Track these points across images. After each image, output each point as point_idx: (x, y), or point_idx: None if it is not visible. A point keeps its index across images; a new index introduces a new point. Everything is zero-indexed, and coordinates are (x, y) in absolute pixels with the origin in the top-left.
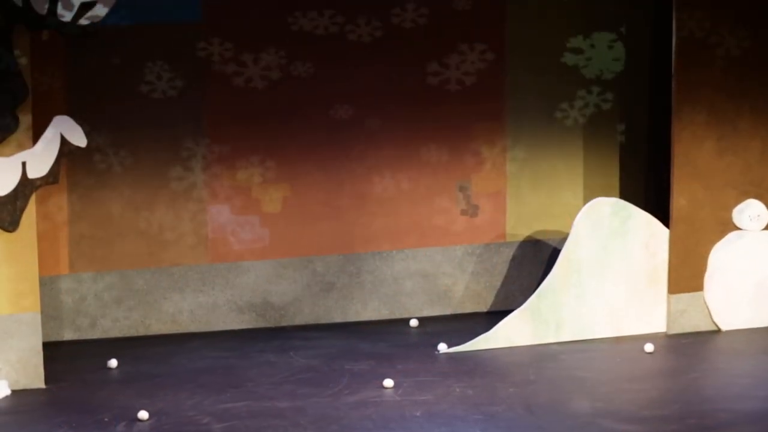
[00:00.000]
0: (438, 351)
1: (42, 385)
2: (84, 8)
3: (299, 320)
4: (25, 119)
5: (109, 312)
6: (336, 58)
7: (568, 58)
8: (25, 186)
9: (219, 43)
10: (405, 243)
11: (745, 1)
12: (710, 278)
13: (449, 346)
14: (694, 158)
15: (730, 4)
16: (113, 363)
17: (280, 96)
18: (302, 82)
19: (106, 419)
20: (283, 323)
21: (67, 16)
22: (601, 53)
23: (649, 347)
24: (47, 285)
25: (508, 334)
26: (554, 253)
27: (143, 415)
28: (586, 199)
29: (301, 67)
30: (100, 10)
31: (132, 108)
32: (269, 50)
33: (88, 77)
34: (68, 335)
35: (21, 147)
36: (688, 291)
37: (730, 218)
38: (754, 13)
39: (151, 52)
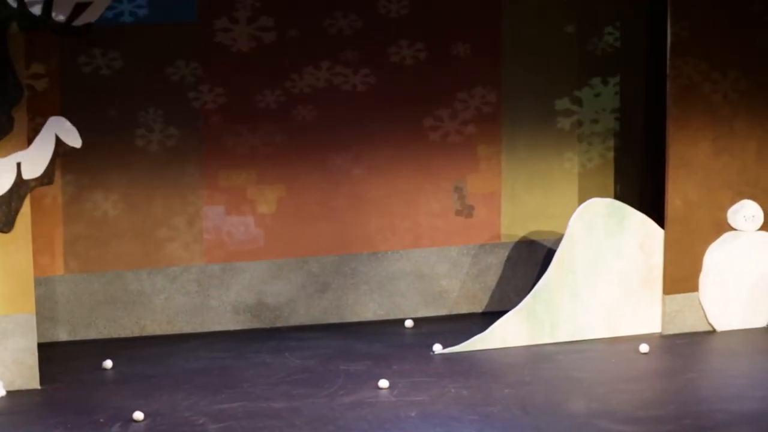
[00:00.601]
0: (433, 351)
1: (37, 385)
2: (79, 9)
3: (294, 321)
4: (20, 120)
5: (104, 313)
6: (334, 54)
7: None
8: (20, 187)
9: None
10: (400, 243)
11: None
12: (705, 279)
13: (444, 347)
14: (690, 158)
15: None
16: (108, 364)
17: (276, 96)
18: (299, 79)
19: (101, 420)
20: (279, 324)
21: (61, 17)
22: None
23: (644, 348)
24: (42, 285)
25: (504, 334)
26: (549, 254)
27: (138, 415)
28: (581, 199)
29: (298, 69)
30: (95, 10)
31: (126, 108)
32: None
33: (83, 77)
34: (63, 336)
35: (16, 148)
36: (683, 291)
37: (725, 219)
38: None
39: (145, 51)
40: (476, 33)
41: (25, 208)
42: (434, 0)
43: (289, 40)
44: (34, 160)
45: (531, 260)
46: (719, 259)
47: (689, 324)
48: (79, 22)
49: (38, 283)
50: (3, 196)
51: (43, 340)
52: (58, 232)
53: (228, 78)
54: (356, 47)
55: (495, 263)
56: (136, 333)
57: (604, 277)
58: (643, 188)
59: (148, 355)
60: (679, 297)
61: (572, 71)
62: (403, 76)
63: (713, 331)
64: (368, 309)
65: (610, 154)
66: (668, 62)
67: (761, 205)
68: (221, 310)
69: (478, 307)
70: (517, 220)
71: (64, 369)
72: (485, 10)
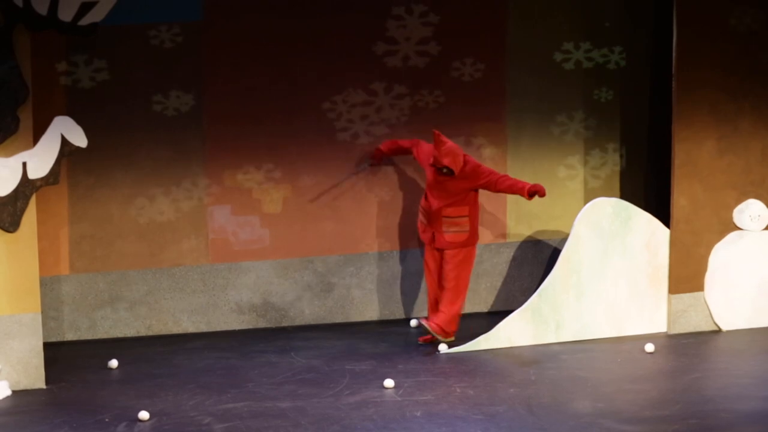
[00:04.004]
0: (439, 351)
1: (43, 385)
2: (85, 8)
3: (300, 320)
4: (26, 120)
5: (110, 312)
6: (338, 58)
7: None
8: (26, 186)
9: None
10: (405, 243)
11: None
12: (711, 278)
13: (450, 346)
14: (695, 158)
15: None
16: (114, 363)
17: (281, 96)
18: (303, 83)
19: (106, 419)
20: (284, 323)
21: (67, 17)
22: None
23: (649, 347)
24: (48, 285)
25: (509, 334)
26: (555, 254)
27: (144, 415)
28: (587, 199)
29: (302, 69)
30: (100, 10)
31: (132, 109)
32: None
33: (89, 77)
34: (69, 336)
35: (21, 147)
36: (689, 291)
37: (731, 218)
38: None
39: (150, 51)
40: (481, 35)
41: (31, 208)
42: (439, 3)
43: (297, 40)
44: (40, 159)
45: (536, 260)
46: (725, 259)
47: (695, 323)
48: (85, 21)
49: (44, 282)
50: (8, 195)
51: (48, 340)
52: (63, 231)
53: (234, 78)
54: (357, 49)
55: (500, 263)
56: (142, 333)
57: (610, 277)
58: (648, 188)
59: (154, 354)
60: (685, 296)
61: (577, 72)
62: (407, 77)
63: (719, 331)
64: (373, 309)
65: (616, 154)
66: (673, 62)
67: (766, 205)
68: (227, 309)
69: (484, 307)
70: (523, 220)
71: (70, 368)
72: (490, 12)
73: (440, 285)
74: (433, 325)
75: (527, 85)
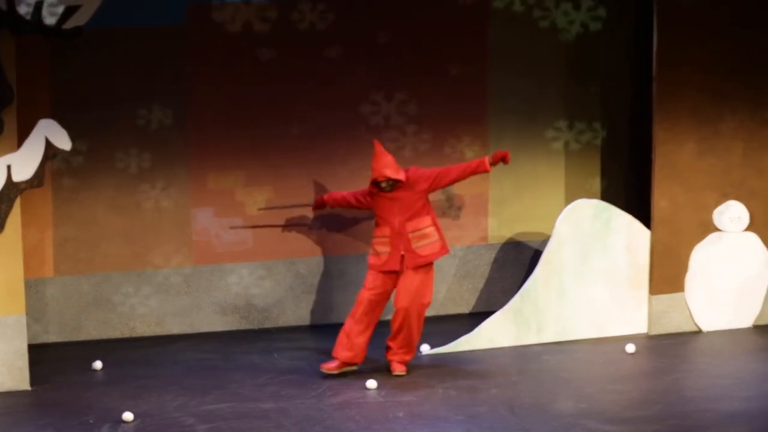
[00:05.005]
0: (421, 352)
1: (27, 387)
2: (69, 12)
3: (283, 322)
4: (10, 123)
5: (94, 314)
6: (322, 61)
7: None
8: (10, 189)
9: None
10: None
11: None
12: (691, 279)
13: (432, 347)
14: (675, 160)
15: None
16: (98, 365)
17: (264, 99)
18: (287, 85)
19: (91, 421)
20: (267, 325)
21: (51, 20)
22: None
23: (630, 348)
24: (32, 287)
25: (491, 335)
26: (536, 255)
27: (128, 416)
28: (568, 200)
29: (286, 71)
30: (84, 14)
31: (116, 111)
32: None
33: (73, 80)
34: (53, 337)
35: (6, 150)
36: (670, 292)
37: (711, 220)
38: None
39: (135, 53)
40: (464, 39)
41: (15, 211)
42: (423, 6)
43: (281, 42)
44: (24, 162)
45: (518, 261)
46: (705, 260)
47: (675, 324)
48: (69, 25)
49: (28, 285)
50: None
51: (33, 342)
52: (48, 234)
53: (217, 80)
54: (345, 53)
55: (482, 264)
56: (126, 334)
57: (591, 278)
58: (629, 189)
59: (138, 356)
60: (666, 297)
61: (559, 75)
62: (392, 81)
63: (699, 332)
64: None
65: (596, 156)
66: (654, 64)
67: (746, 206)
68: (210, 311)
69: (466, 308)
70: (504, 222)
71: (54, 370)
72: (473, 15)
73: (404, 317)
74: (403, 368)
75: (509, 86)
